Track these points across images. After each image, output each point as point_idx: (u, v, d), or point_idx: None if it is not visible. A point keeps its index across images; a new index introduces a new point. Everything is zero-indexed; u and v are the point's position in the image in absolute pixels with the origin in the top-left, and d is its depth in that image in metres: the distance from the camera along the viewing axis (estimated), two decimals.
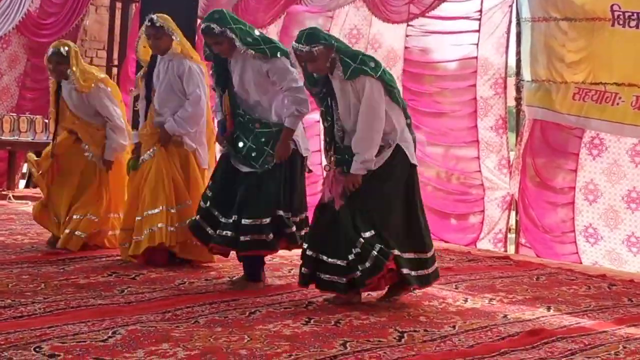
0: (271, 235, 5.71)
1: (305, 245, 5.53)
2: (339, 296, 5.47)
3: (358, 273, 5.28)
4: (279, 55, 5.75)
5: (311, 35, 5.34)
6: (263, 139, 5.78)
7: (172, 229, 6.32)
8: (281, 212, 5.73)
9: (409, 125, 5.53)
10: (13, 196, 10.27)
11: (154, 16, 6.35)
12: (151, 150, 6.44)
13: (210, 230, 5.86)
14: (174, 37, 6.38)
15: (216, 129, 6.27)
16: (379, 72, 5.32)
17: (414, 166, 5.50)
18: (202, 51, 6.05)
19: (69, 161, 7.04)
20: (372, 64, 5.33)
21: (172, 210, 6.35)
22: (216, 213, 5.84)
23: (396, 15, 9.08)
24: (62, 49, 6.90)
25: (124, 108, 7.27)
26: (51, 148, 7.07)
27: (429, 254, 5.55)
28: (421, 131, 9.06)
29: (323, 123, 5.61)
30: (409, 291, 5.67)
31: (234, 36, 5.70)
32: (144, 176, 6.44)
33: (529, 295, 6.18)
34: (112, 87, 7.17)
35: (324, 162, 5.87)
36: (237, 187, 5.81)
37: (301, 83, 5.72)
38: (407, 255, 5.42)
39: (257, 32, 5.87)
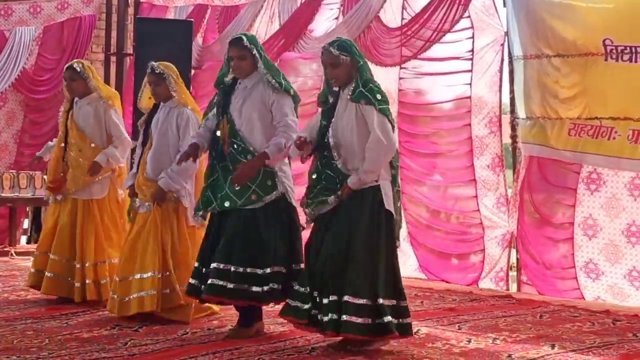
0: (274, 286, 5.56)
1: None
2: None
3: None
4: (291, 93, 5.72)
5: (345, 44, 5.41)
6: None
7: (154, 292, 6.16)
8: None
9: (394, 177, 5.46)
10: (15, 252, 10.24)
11: (155, 63, 6.38)
12: (147, 204, 6.31)
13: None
14: (170, 87, 6.36)
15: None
16: (383, 107, 5.31)
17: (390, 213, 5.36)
18: (215, 80, 5.90)
19: None
20: (379, 96, 5.32)
21: (159, 276, 6.19)
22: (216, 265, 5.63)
23: (389, 59, 9.14)
24: (75, 65, 7.00)
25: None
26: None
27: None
28: (416, 172, 9.11)
29: (320, 139, 5.48)
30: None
31: (258, 57, 5.69)
32: (139, 232, 6.31)
33: (532, 333, 6.16)
34: (118, 108, 7.21)
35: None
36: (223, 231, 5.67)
37: (296, 128, 5.64)
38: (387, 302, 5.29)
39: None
